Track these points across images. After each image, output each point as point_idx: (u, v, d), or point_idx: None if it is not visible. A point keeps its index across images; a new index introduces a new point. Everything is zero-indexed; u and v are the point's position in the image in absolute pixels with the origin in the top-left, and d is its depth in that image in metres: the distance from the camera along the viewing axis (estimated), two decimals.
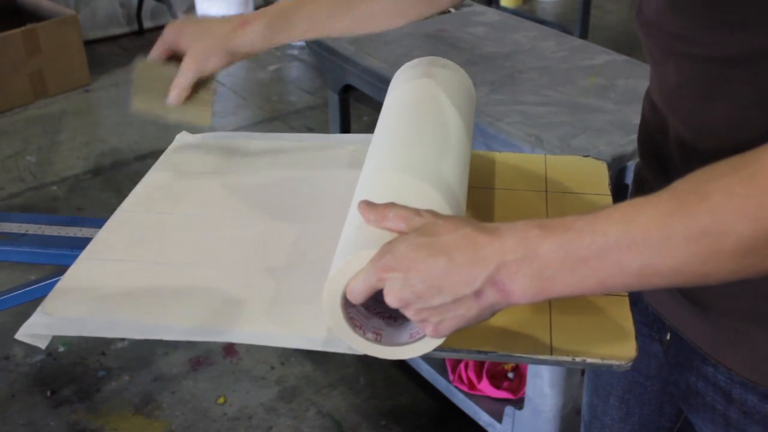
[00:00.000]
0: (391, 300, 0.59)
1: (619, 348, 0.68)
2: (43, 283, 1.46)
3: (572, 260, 0.55)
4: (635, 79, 1.58)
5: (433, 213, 0.62)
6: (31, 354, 1.99)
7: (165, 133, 3.38)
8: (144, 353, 2.00)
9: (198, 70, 0.92)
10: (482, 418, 1.59)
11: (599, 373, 0.95)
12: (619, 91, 1.53)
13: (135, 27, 4.07)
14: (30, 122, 3.18)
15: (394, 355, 0.65)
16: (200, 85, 0.95)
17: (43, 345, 0.72)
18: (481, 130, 1.40)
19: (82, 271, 0.80)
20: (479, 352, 0.68)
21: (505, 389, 1.60)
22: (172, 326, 0.72)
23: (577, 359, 0.67)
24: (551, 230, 0.56)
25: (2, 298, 1.49)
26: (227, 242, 0.84)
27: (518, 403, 1.51)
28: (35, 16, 3.35)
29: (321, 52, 1.84)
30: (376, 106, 3.51)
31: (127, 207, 0.92)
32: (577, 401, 1.44)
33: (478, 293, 0.57)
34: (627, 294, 0.74)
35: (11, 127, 3.13)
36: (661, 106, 0.73)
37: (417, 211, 0.62)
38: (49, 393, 1.88)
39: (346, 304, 0.63)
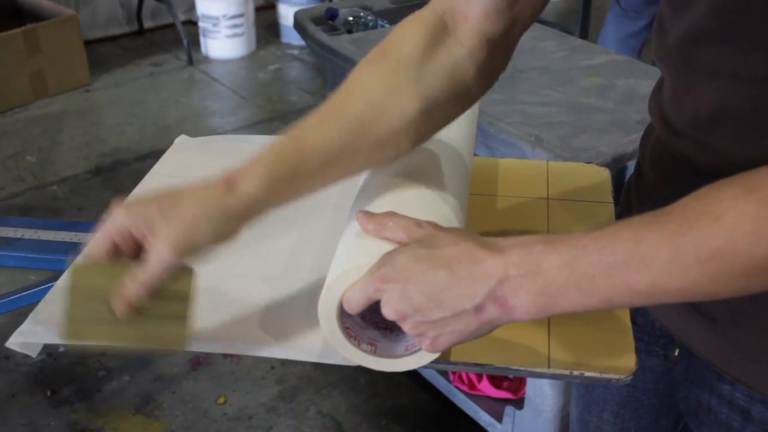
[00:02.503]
0: (388, 312, 0.58)
1: (618, 361, 0.67)
2: (39, 288, 1.46)
3: (577, 277, 0.54)
4: (635, 79, 1.58)
5: (434, 225, 0.61)
6: None
7: (165, 133, 3.40)
8: (144, 353, 2.01)
9: (175, 256, 0.61)
10: (482, 418, 1.59)
11: (591, 389, 0.93)
12: (619, 91, 1.53)
13: (135, 27, 4.07)
14: (30, 122, 3.18)
15: (389, 367, 0.64)
16: (169, 292, 0.63)
17: (34, 353, 0.71)
18: (481, 130, 1.40)
19: None
20: (476, 364, 0.68)
21: (505, 389, 1.60)
22: None
23: (575, 372, 0.66)
24: (557, 246, 0.55)
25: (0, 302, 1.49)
26: (223, 249, 0.83)
27: (518, 403, 1.51)
28: (35, 16, 3.35)
29: (321, 52, 1.84)
30: None
31: None
32: None
33: (478, 308, 0.56)
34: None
35: (11, 127, 3.13)
36: (677, 131, 0.69)
37: (417, 222, 0.61)
38: (49, 393, 1.88)
39: (343, 315, 0.63)
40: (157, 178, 0.98)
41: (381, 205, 0.68)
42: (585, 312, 0.68)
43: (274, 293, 0.76)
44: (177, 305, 0.64)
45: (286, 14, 3.86)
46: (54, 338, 0.71)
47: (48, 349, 1.99)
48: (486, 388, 1.60)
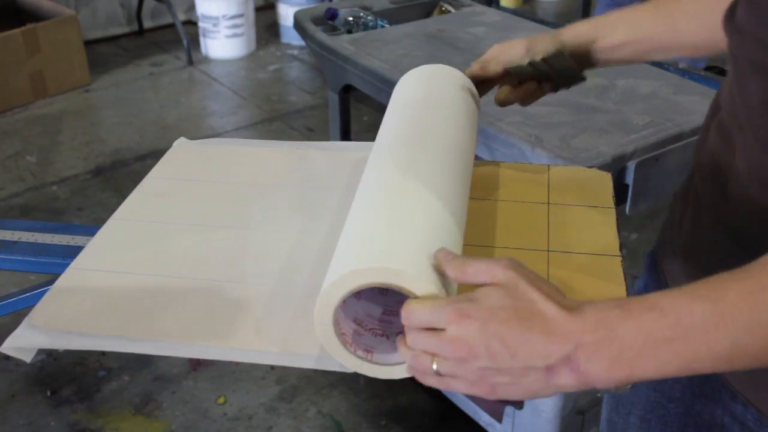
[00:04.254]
0: (456, 347, 0.56)
1: None
2: (37, 291, 1.45)
3: (654, 342, 0.52)
4: (635, 79, 1.58)
5: (515, 265, 0.59)
6: None
7: (165, 134, 3.40)
8: (144, 353, 2.00)
9: (526, 47, 0.87)
10: (482, 418, 1.59)
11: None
12: (619, 91, 1.53)
13: (135, 27, 4.07)
14: (30, 122, 3.18)
15: (384, 374, 0.63)
16: None
17: (28, 359, 0.70)
18: (481, 130, 1.40)
19: (70, 282, 0.79)
20: None
21: None
22: (161, 341, 0.71)
23: None
24: (632, 310, 0.53)
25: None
26: (220, 253, 0.83)
27: (518, 403, 1.51)
28: (35, 16, 3.35)
29: (321, 52, 1.84)
30: (376, 106, 3.50)
31: (119, 216, 0.90)
32: (577, 401, 1.44)
33: (550, 369, 0.55)
34: None
35: (11, 127, 3.13)
36: (732, 120, 0.69)
37: (499, 263, 0.59)
38: (49, 393, 1.88)
39: (339, 321, 0.62)
40: (155, 182, 0.98)
41: (380, 208, 0.68)
42: None
43: (271, 298, 0.75)
44: None
45: (286, 14, 3.87)
46: (48, 344, 0.71)
47: (48, 350, 1.99)
48: None
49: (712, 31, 0.80)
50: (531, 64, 0.84)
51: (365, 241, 0.63)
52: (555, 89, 0.92)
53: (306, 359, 0.68)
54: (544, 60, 0.83)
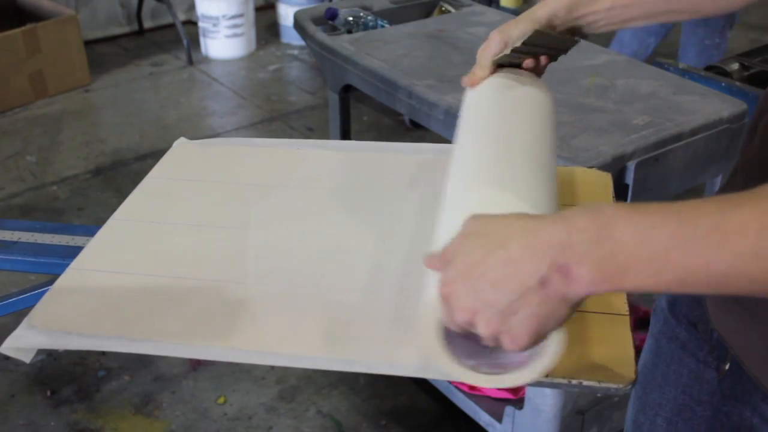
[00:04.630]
0: (459, 316, 0.55)
1: (617, 372, 0.66)
2: (37, 291, 1.45)
3: (651, 248, 0.49)
4: (635, 79, 1.58)
5: (474, 215, 0.57)
6: None
7: (165, 133, 3.39)
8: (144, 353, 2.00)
9: (500, 41, 0.84)
10: (482, 418, 1.59)
11: (648, 391, 0.90)
12: (619, 91, 1.53)
13: (135, 27, 4.07)
14: (30, 122, 3.18)
15: (490, 383, 0.61)
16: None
17: (27, 359, 0.70)
18: None
19: (70, 282, 0.79)
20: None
21: (506, 389, 1.60)
22: (161, 342, 0.71)
23: (573, 381, 0.66)
24: (630, 212, 0.50)
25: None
26: (220, 254, 0.83)
27: (518, 403, 1.51)
28: (35, 16, 3.35)
29: (321, 52, 1.84)
30: (376, 106, 3.51)
31: (119, 216, 0.91)
32: (577, 401, 1.44)
33: (543, 282, 0.51)
34: (627, 314, 0.72)
35: (11, 127, 3.13)
36: None
37: (463, 225, 0.58)
38: (49, 393, 1.88)
39: (443, 330, 0.60)
40: (155, 182, 0.98)
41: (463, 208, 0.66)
42: (585, 321, 0.66)
43: (361, 306, 0.74)
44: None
45: (286, 14, 3.86)
46: (47, 344, 0.71)
47: (48, 350, 1.99)
48: (486, 388, 1.60)
49: None
50: (514, 50, 0.83)
51: None
52: (554, 59, 0.91)
53: (405, 368, 0.66)
54: (525, 44, 0.82)
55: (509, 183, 0.69)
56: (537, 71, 0.90)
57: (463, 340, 0.62)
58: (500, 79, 0.87)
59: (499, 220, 0.55)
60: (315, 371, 1.94)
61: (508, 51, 0.83)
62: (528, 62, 0.88)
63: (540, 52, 0.87)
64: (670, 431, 0.89)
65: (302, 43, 3.27)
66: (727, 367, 0.77)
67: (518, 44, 0.82)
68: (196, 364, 1.97)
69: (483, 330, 0.55)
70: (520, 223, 0.53)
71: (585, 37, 0.89)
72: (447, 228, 0.65)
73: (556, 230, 0.51)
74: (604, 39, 2.98)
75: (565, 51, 0.89)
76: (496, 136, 0.78)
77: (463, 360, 0.61)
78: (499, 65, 0.86)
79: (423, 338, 0.60)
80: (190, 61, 3.72)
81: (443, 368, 0.61)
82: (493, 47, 0.85)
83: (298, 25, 1.96)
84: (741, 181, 0.76)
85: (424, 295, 0.61)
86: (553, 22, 0.83)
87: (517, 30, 0.83)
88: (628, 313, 0.73)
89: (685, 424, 0.87)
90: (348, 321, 0.73)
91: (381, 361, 0.68)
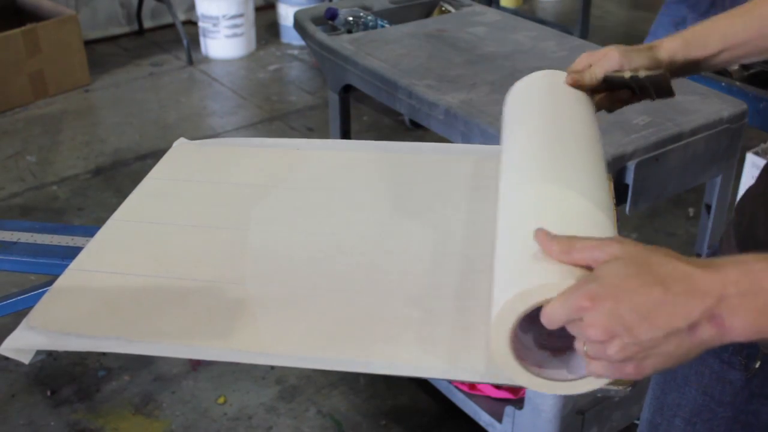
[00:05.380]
0: (595, 332, 0.55)
1: None
2: (36, 292, 1.45)
3: None
4: None
5: (628, 240, 0.58)
6: None
7: (165, 133, 3.39)
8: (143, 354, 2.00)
9: (621, 58, 0.85)
10: (482, 418, 1.59)
11: (666, 391, 0.90)
12: None
13: (135, 27, 4.07)
14: (30, 122, 3.18)
15: (556, 390, 0.61)
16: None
17: (26, 360, 0.70)
18: (481, 130, 1.40)
19: (69, 283, 0.79)
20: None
21: (505, 389, 1.60)
22: (161, 342, 0.71)
23: None
24: None
25: None
26: (220, 254, 0.83)
27: (518, 403, 1.51)
28: (35, 16, 3.35)
29: (321, 52, 1.84)
30: (376, 106, 3.52)
31: (118, 216, 0.90)
32: (577, 402, 1.44)
33: (692, 327, 0.53)
34: None
35: (11, 127, 3.13)
36: None
37: (609, 238, 0.58)
38: (49, 393, 1.88)
39: (514, 335, 0.60)
40: (155, 182, 0.98)
41: (549, 223, 0.66)
42: None
43: (422, 311, 0.73)
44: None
45: (286, 14, 3.86)
46: (47, 345, 0.71)
47: (48, 350, 1.99)
48: (486, 388, 1.60)
49: None
50: (633, 78, 0.84)
51: (545, 256, 0.61)
52: (641, 99, 0.91)
53: (473, 373, 0.66)
54: (648, 76, 0.83)
55: (574, 182, 0.70)
56: (624, 103, 0.91)
57: (528, 347, 0.62)
58: (548, 78, 0.88)
59: (654, 255, 0.56)
60: (315, 371, 1.94)
61: (627, 75, 0.84)
62: (623, 93, 0.89)
63: (646, 91, 0.87)
64: (688, 431, 0.88)
65: (302, 43, 3.27)
66: (757, 365, 0.78)
67: (640, 74, 0.83)
68: (196, 364, 1.97)
69: (613, 353, 0.55)
70: (676, 264, 0.55)
71: (686, 75, 0.92)
72: (523, 221, 0.65)
73: (712, 280, 0.53)
74: (605, 41, 2.98)
75: (659, 98, 0.90)
76: (556, 134, 0.79)
77: (530, 366, 0.61)
78: (604, 81, 0.87)
79: (494, 343, 0.60)
80: (190, 61, 3.72)
81: (512, 374, 0.61)
82: (611, 62, 0.85)
83: (298, 25, 1.95)
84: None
85: (498, 301, 0.60)
86: (672, 65, 0.86)
87: (638, 59, 0.85)
88: None
89: (704, 425, 0.86)
90: (348, 321, 0.73)
91: (381, 361, 0.68)
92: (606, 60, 0.86)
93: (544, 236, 0.60)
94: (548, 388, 0.62)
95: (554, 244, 0.59)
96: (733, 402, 0.83)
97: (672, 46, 0.86)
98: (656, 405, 0.93)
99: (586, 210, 0.67)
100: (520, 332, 0.61)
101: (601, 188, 0.72)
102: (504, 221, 0.71)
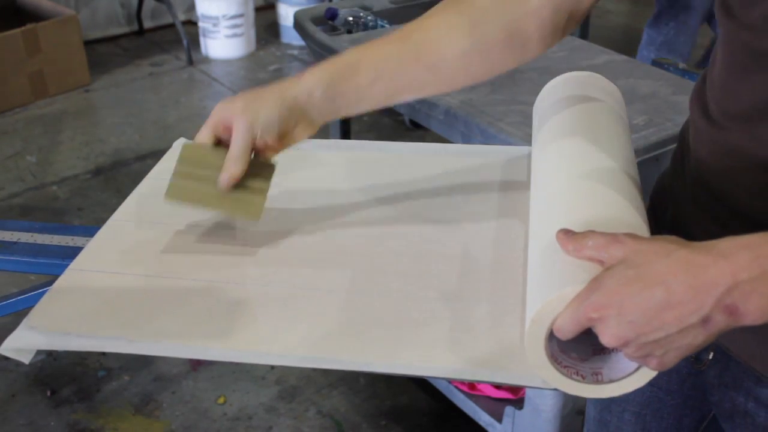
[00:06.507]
0: (608, 341, 0.55)
1: None
2: (36, 292, 1.45)
3: None
4: (635, 79, 1.58)
5: (633, 237, 0.57)
6: None
7: (165, 133, 3.39)
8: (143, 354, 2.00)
9: (249, 126, 0.76)
10: (482, 418, 1.59)
11: None
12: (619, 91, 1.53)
13: (135, 27, 4.07)
14: (30, 122, 3.18)
15: (593, 393, 0.61)
16: (256, 173, 0.81)
17: (26, 360, 0.70)
18: (481, 130, 1.40)
19: (69, 283, 0.79)
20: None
21: (505, 389, 1.60)
22: (161, 342, 0.71)
23: None
24: None
25: None
26: (220, 254, 0.83)
27: (518, 403, 1.51)
28: (35, 16, 3.35)
29: (321, 52, 1.83)
30: None
31: (118, 216, 0.90)
32: (578, 401, 1.44)
33: (706, 320, 0.53)
34: None
35: (11, 127, 3.13)
36: (724, 117, 0.67)
37: (616, 237, 0.57)
38: (49, 393, 1.88)
39: (549, 344, 0.60)
40: (154, 183, 0.98)
41: (560, 208, 0.67)
42: None
43: (455, 314, 0.73)
44: (259, 184, 0.82)
45: (286, 14, 3.86)
46: (47, 345, 0.71)
47: (48, 350, 1.99)
48: (486, 388, 1.60)
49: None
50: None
51: (567, 259, 0.61)
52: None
53: (514, 377, 0.66)
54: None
55: (612, 181, 0.71)
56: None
57: (562, 350, 0.62)
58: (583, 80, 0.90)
59: (652, 250, 0.55)
60: (315, 371, 1.94)
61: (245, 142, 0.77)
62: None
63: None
64: (639, 424, 0.89)
65: (302, 43, 3.27)
66: (710, 356, 0.78)
67: (259, 133, 0.76)
68: (196, 364, 1.97)
69: (632, 353, 0.56)
70: (676, 256, 0.54)
71: (340, 117, 0.82)
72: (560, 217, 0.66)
73: (719, 272, 0.52)
74: (605, 41, 2.98)
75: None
76: (590, 136, 0.80)
77: (562, 369, 0.61)
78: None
79: (529, 347, 0.60)
80: (190, 61, 3.72)
81: (546, 378, 0.61)
82: (239, 143, 0.77)
83: (298, 25, 1.95)
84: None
85: (532, 309, 0.60)
86: (311, 104, 0.77)
87: (267, 110, 0.76)
88: None
89: (653, 415, 0.88)
90: (348, 321, 0.73)
91: (381, 361, 0.68)
92: (237, 131, 0.77)
93: (562, 235, 0.61)
94: (587, 392, 0.61)
95: (569, 242, 0.60)
96: (681, 390, 0.85)
97: (311, 81, 0.77)
98: (604, 403, 0.93)
99: (623, 210, 0.67)
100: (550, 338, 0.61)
101: (635, 189, 0.72)
102: (538, 220, 0.72)
